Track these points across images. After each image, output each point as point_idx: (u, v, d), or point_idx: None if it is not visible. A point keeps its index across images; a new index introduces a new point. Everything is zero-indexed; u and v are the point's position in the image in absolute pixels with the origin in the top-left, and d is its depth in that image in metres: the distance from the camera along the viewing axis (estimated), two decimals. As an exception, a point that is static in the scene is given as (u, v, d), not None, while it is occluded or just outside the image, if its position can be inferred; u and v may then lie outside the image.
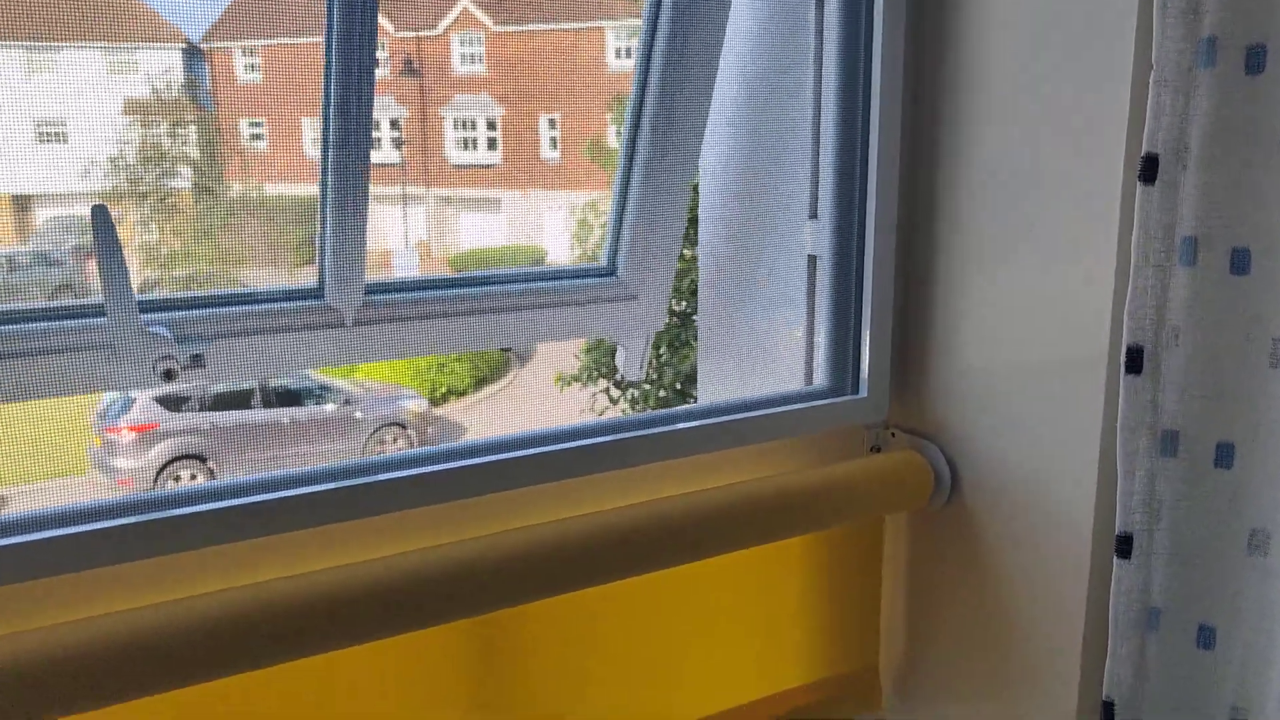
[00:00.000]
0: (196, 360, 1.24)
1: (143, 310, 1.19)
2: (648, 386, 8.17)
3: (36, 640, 0.89)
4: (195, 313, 1.26)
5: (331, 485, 1.09)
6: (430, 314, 1.44)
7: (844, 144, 1.30)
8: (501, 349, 1.63)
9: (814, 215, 1.37)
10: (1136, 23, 1.04)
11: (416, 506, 1.12)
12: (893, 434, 1.37)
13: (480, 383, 12.16)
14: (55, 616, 0.95)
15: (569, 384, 8.59)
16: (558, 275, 1.57)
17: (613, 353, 8.17)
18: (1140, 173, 1.01)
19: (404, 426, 10.05)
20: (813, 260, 1.39)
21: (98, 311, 1.22)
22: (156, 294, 1.25)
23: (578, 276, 1.58)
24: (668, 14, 1.39)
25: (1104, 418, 1.12)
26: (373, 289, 1.38)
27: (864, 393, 1.34)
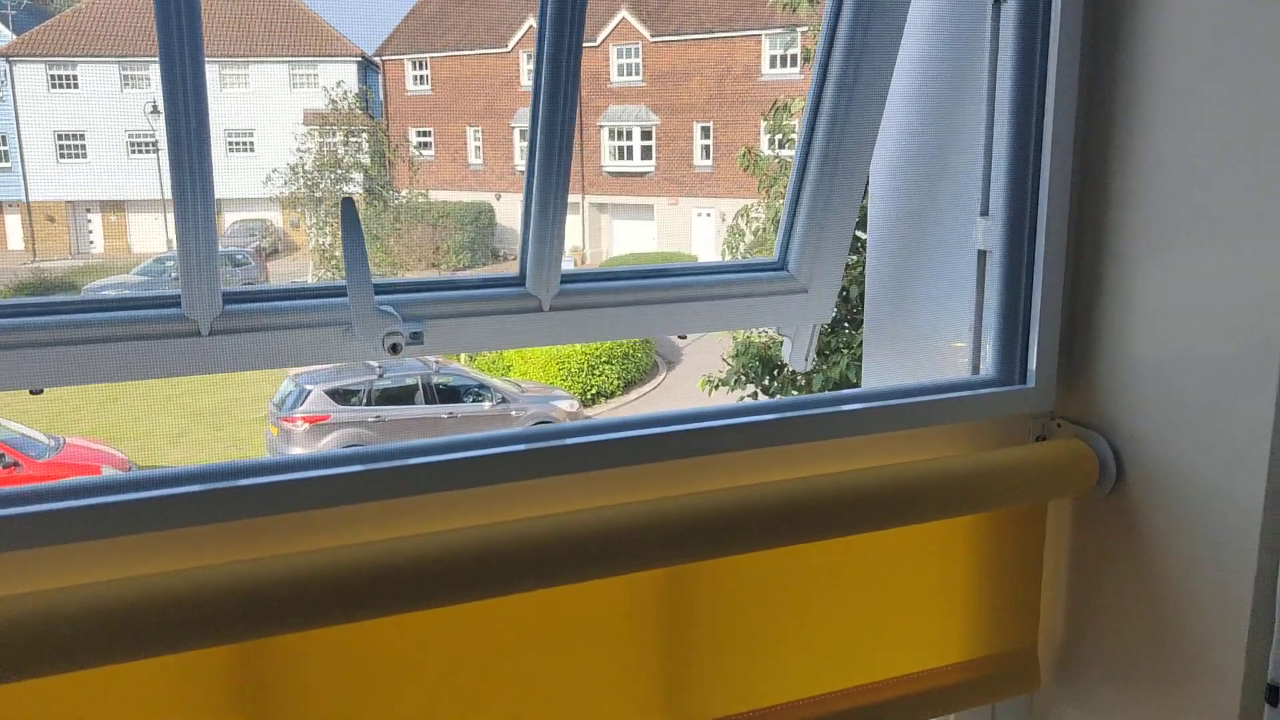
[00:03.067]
0: (416, 337, 1.39)
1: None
2: (795, 393, 8.20)
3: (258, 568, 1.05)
4: (417, 295, 1.42)
5: (528, 446, 1.22)
6: (618, 303, 1.56)
7: (1018, 142, 1.35)
8: (679, 335, 1.74)
9: (985, 212, 1.43)
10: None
11: (602, 469, 1.24)
12: (1058, 424, 1.41)
13: (629, 385, 12.44)
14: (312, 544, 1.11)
15: (716, 388, 8.69)
16: (732, 269, 1.68)
17: (761, 359, 8.19)
18: (1318, 167, 1.04)
19: (555, 426, 10.40)
20: (983, 255, 1.45)
21: (334, 292, 1.40)
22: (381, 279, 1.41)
23: (751, 270, 1.68)
24: (847, 16, 1.48)
25: (1275, 409, 1.15)
26: (568, 279, 1.52)
27: (1031, 383, 1.39)
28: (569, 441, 1.24)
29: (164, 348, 1.32)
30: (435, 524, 1.16)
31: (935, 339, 1.56)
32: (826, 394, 1.41)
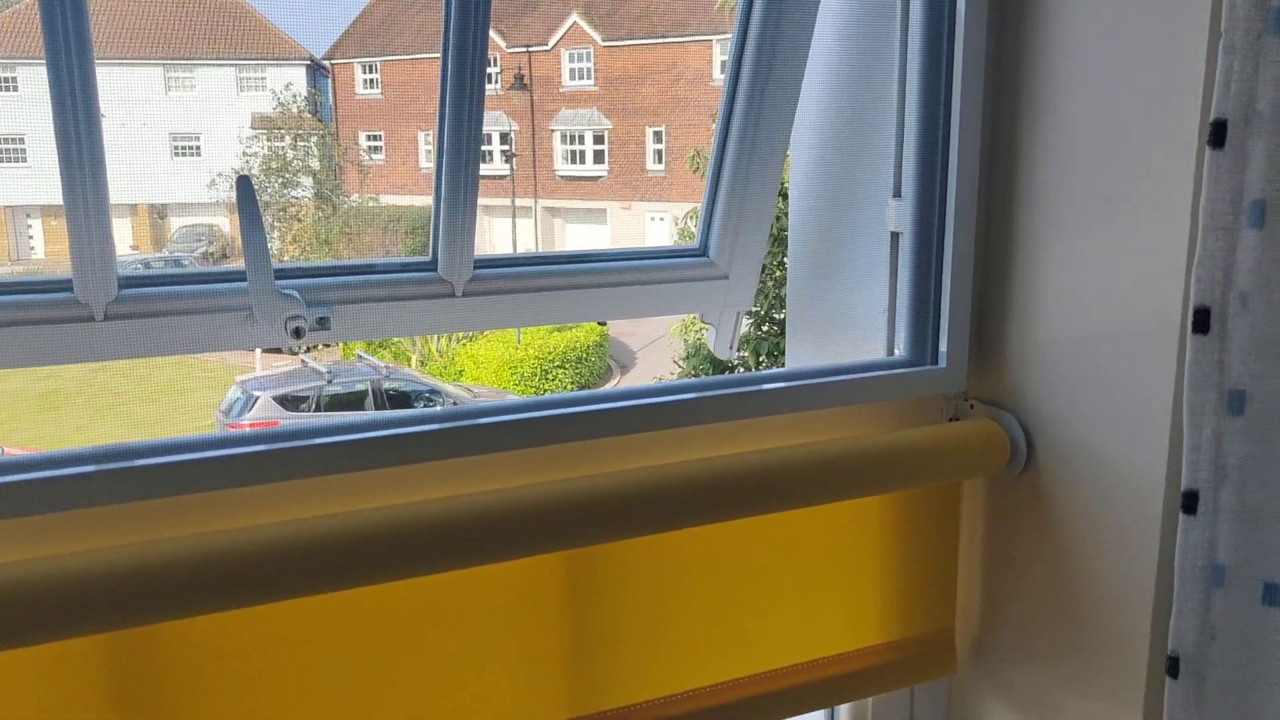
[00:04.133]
0: (323, 322, 1.37)
1: (277, 276, 1.32)
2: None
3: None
4: (322, 280, 1.38)
5: (450, 424, 1.20)
6: (533, 288, 1.54)
7: (927, 124, 1.35)
8: (599, 322, 1.73)
9: (898, 194, 1.43)
10: (1210, -5, 1.07)
11: (514, 449, 1.22)
12: (971, 405, 1.41)
13: (582, 389, 12.37)
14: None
15: (669, 391, 8.69)
16: (653, 255, 1.66)
17: (712, 362, 8.21)
18: (1209, 138, 1.04)
19: (507, 431, 10.35)
20: (895, 237, 1.45)
21: (238, 277, 1.36)
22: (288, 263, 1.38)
23: (672, 256, 1.66)
24: (760, 4, 1.47)
25: (1175, 385, 1.15)
26: (481, 263, 1.49)
27: (943, 364, 1.39)
28: (482, 422, 1.22)
29: (55, 333, 1.28)
30: (340, 505, 1.13)
31: (852, 321, 1.56)
32: (743, 374, 1.40)
